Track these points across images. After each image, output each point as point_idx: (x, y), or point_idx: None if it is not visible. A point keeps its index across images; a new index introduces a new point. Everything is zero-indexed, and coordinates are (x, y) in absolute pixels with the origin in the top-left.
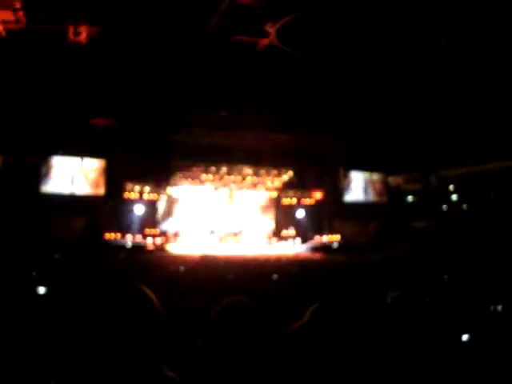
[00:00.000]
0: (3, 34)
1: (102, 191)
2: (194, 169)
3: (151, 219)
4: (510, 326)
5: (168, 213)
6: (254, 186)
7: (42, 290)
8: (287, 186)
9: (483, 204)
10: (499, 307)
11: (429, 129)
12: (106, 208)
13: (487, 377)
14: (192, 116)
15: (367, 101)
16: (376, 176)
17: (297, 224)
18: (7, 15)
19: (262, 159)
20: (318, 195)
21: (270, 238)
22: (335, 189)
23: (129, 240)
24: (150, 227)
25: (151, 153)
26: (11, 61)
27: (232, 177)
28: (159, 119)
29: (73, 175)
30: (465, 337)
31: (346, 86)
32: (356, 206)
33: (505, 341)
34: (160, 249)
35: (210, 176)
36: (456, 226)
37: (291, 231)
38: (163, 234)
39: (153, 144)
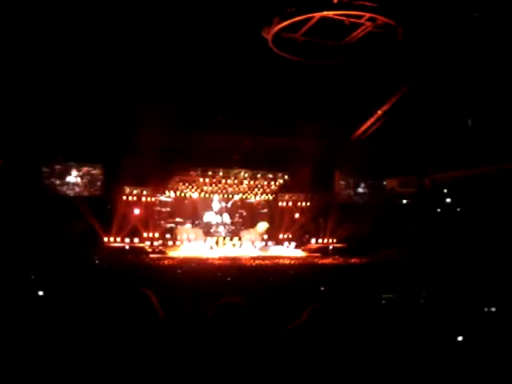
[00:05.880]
0: None
1: (100, 194)
2: (192, 172)
3: (149, 222)
4: (503, 328)
5: (166, 216)
6: (251, 189)
7: (41, 293)
8: (283, 190)
9: (477, 207)
10: (493, 309)
11: (423, 133)
12: (105, 211)
13: (482, 377)
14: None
15: (364, 105)
16: (371, 179)
17: (293, 227)
18: None
19: (258, 163)
20: (313, 198)
21: (266, 240)
22: (331, 192)
23: (127, 243)
24: (147, 230)
25: (149, 157)
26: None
27: (229, 180)
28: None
29: (72, 179)
30: (459, 338)
31: (342, 89)
32: (351, 209)
33: (499, 342)
34: (158, 251)
35: (207, 180)
36: (450, 229)
37: (287, 234)
38: (161, 236)
39: (151, 148)
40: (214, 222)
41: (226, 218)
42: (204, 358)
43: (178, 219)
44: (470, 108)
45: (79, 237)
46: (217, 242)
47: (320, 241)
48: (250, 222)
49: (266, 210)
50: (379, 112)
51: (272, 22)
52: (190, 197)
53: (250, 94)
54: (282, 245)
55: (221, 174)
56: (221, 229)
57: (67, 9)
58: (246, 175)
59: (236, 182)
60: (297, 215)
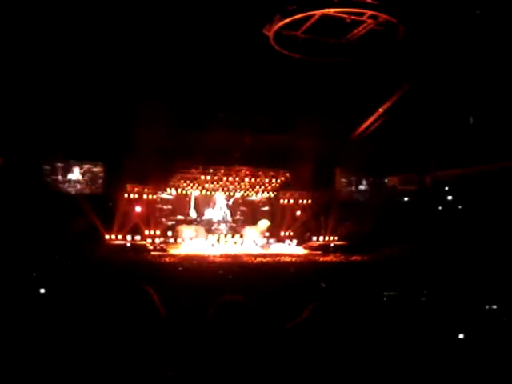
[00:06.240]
0: None
1: (102, 192)
2: (193, 170)
3: (150, 220)
4: (505, 325)
5: (167, 214)
6: (252, 187)
7: (42, 290)
8: (284, 187)
9: (478, 205)
10: (494, 306)
11: (425, 131)
12: (106, 209)
13: (483, 375)
14: (191, 118)
15: (365, 103)
16: (372, 177)
17: (294, 224)
18: None
19: (259, 160)
20: (315, 196)
21: (267, 238)
22: (332, 190)
23: (128, 240)
24: (149, 228)
25: (151, 154)
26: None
27: (230, 178)
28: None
29: (73, 176)
30: (461, 336)
31: (343, 87)
32: (352, 207)
33: (500, 340)
34: (159, 249)
35: (209, 177)
36: (451, 227)
37: (289, 232)
38: (162, 234)
39: (153, 146)
40: (215, 220)
41: (228, 215)
42: (205, 355)
43: (179, 217)
44: (472, 105)
45: (81, 234)
46: (218, 240)
47: (321, 238)
48: (251, 220)
49: (267, 208)
50: (380, 110)
51: (273, 20)
52: (192, 194)
53: (251, 91)
54: (284, 242)
55: (222, 171)
56: (222, 226)
57: (68, 8)
58: (247, 173)
59: (237, 179)
60: (298, 213)
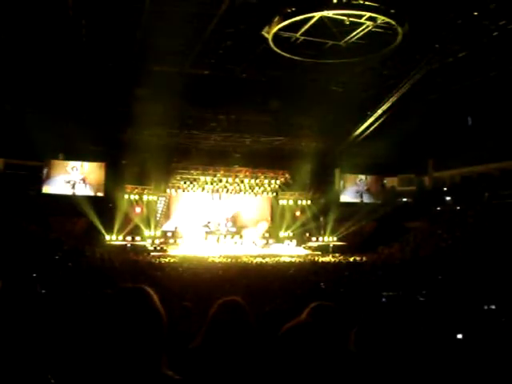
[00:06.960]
0: None
1: (102, 193)
2: (192, 171)
3: (150, 220)
4: (503, 325)
5: (167, 214)
6: (252, 188)
7: (42, 290)
8: (284, 188)
9: (476, 205)
10: (493, 306)
11: (424, 131)
12: (106, 209)
13: (481, 375)
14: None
15: (364, 104)
16: (371, 178)
17: (294, 225)
18: None
19: (259, 162)
20: (314, 197)
21: (267, 238)
22: (331, 190)
23: (128, 241)
24: (148, 228)
25: (151, 155)
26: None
27: (229, 179)
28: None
29: (74, 177)
30: (459, 336)
31: (342, 88)
32: (352, 207)
33: (498, 339)
34: (159, 249)
35: (208, 178)
36: (450, 227)
37: (288, 232)
38: (162, 235)
39: (153, 147)
40: (215, 220)
41: (228, 215)
42: (205, 356)
43: (179, 217)
44: (470, 106)
45: (81, 235)
46: (218, 240)
47: (320, 239)
48: (251, 220)
49: (267, 208)
50: (379, 111)
51: (272, 22)
52: (191, 195)
53: (251, 92)
54: (283, 243)
55: (222, 172)
56: (222, 227)
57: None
58: (247, 174)
59: (237, 180)
60: (297, 213)
